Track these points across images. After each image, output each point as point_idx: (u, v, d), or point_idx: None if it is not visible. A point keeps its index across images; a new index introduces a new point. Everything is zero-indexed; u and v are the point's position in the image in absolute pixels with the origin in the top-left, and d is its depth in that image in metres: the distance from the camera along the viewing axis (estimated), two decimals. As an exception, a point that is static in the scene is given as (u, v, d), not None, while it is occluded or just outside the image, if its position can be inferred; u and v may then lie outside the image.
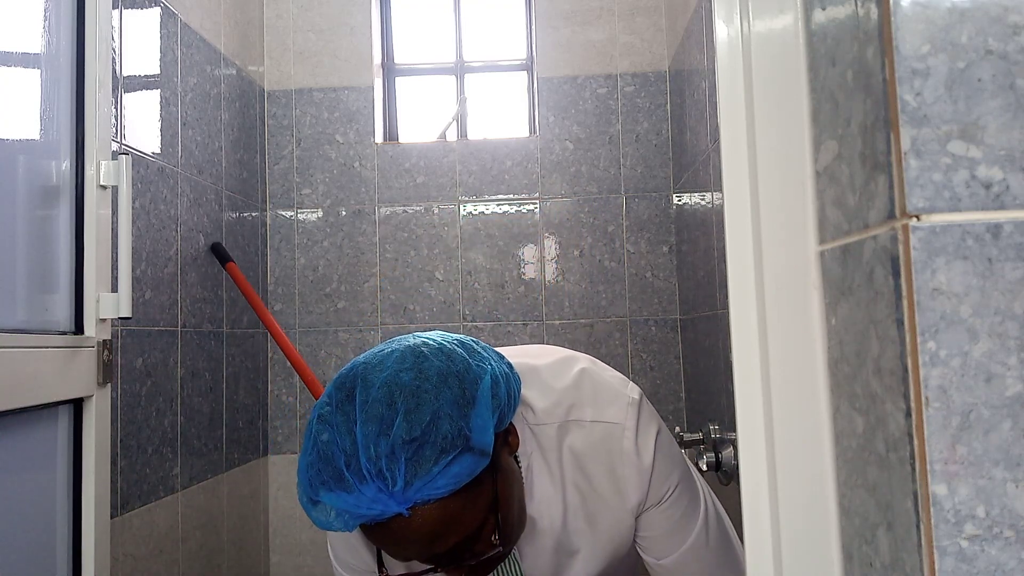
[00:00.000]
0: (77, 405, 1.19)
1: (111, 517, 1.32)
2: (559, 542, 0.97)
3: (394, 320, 2.45)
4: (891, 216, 0.39)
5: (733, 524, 1.06)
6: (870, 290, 0.42)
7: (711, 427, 1.69)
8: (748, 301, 0.54)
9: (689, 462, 1.05)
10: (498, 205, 2.46)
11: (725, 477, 1.56)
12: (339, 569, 1.02)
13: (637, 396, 0.97)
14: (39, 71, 1.16)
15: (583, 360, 1.02)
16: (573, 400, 0.96)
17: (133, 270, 1.58)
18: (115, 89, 1.57)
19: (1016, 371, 0.37)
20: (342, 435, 0.77)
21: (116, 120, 1.59)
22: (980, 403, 0.37)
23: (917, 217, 0.38)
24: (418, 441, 0.75)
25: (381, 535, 0.79)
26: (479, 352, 0.87)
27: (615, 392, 0.96)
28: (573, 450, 0.94)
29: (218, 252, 2.09)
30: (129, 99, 1.65)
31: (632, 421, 0.94)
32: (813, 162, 0.50)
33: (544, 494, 0.95)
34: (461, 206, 2.46)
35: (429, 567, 0.84)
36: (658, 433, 0.96)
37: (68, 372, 1.14)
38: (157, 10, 1.78)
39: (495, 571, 0.98)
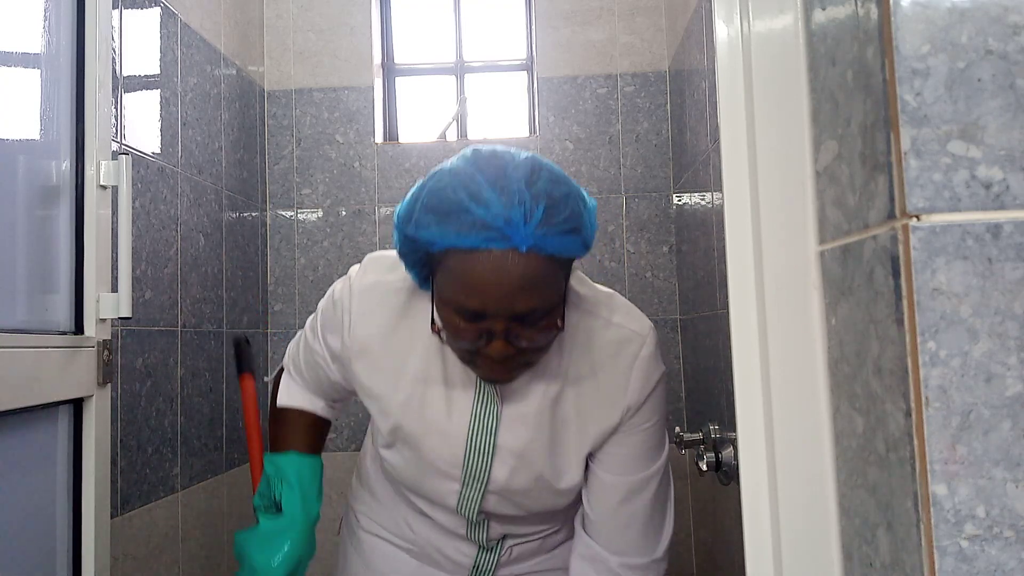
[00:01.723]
0: (77, 405, 1.19)
1: (111, 517, 1.32)
2: (541, 418, 1.01)
3: (394, 320, 2.44)
4: (891, 216, 0.39)
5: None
6: (870, 290, 0.42)
7: (711, 427, 1.69)
8: (748, 301, 0.54)
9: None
10: (498, 205, 2.46)
11: (725, 477, 1.56)
12: (310, 337, 1.12)
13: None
14: (39, 71, 1.16)
15: None
16: (604, 302, 1.05)
17: (133, 270, 1.58)
18: (115, 89, 1.57)
19: (1016, 371, 0.37)
20: (488, 172, 0.85)
21: (116, 120, 1.59)
22: (980, 403, 0.37)
23: (917, 217, 0.38)
24: (555, 200, 0.85)
25: (483, 266, 0.84)
26: None
27: (641, 315, 1.07)
28: (590, 340, 1.02)
29: (240, 353, 1.87)
30: (129, 99, 1.65)
31: (653, 339, 1.04)
32: (813, 162, 0.50)
33: (548, 366, 1.00)
34: (461, 206, 2.46)
35: (478, 337, 0.89)
36: (664, 370, 1.06)
37: (68, 372, 1.14)
38: (157, 10, 1.78)
39: (471, 425, 1.02)
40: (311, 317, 1.15)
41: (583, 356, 1.01)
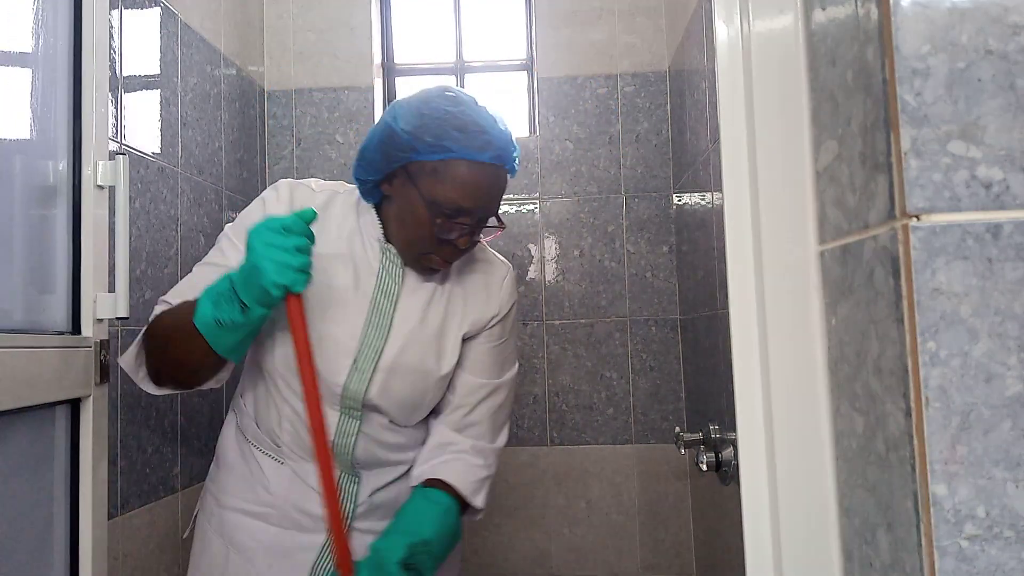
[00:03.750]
0: (74, 405, 1.19)
1: (111, 517, 1.32)
2: (430, 309, 1.25)
3: (394, 320, 2.44)
4: (891, 216, 0.39)
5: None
6: (870, 290, 0.42)
7: (711, 427, 1.69)
8: (748, 301, 0.54)
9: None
10: (498, 205, 2.46)
11: (725, 477, 1.56)
12: (226, 246, 1.25)
13: None
14: (36, 71, 1.16)
15: None
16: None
17: (133, 270, 1.58)
18: (115, 89, 1.57)
19: (1016, 371, 0.37)
20: (482, 108, 1.17)
21: (116, 120, 1.59)
22: (980, 403, 0.37)
23: (917, 217, 0.38)
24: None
25: (484, 175, 1.13)
26: None
27: (504, 259, 1.37)
28: (468, 262, 1.30)
29: None
30: (129, 99, 1.65)
31: (513, 273, 1.35)
32: (813, 162, 0.50)
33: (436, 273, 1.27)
34: (461, 206, 2.46)
35: (454, 228, 1.15)
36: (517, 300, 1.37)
37: (65, 372, 1.14)
38: (157, 10, 1.78)
39: (373, 300, 1.22)
40: (228, 229, 1.27)
41: (462, 271, 1.30)
